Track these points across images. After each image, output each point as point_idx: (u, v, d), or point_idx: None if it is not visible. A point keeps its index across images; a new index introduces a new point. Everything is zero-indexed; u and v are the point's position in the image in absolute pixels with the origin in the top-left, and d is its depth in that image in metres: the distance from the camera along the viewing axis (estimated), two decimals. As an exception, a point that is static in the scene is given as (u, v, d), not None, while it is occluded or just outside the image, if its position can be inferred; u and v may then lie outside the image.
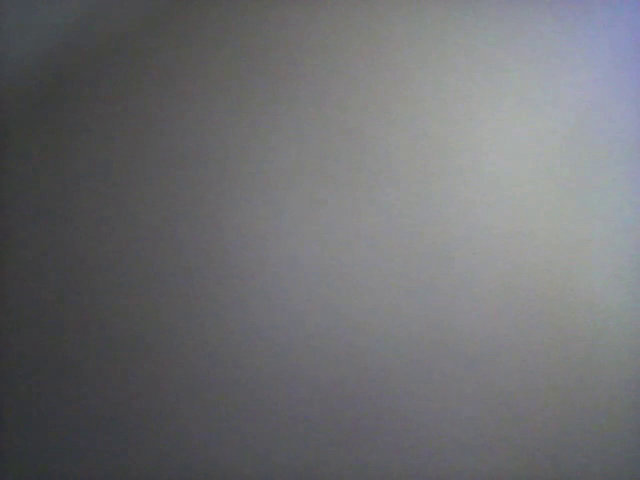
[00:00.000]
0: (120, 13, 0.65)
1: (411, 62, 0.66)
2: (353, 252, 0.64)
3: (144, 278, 0.64)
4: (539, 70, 0.65)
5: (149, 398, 0.63)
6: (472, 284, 0.64)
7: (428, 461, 0.63)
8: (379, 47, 0.66)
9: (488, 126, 0.65)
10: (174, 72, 0.65)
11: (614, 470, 0.63)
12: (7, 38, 0.65)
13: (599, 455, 0.63)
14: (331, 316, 0.64)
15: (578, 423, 0.63)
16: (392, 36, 0.66)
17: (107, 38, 0.65)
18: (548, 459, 0.63)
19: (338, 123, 0.65)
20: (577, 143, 0.65)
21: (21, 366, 0.63)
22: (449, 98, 0.65)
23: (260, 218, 0.64)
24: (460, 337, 0.63)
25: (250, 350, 0.63)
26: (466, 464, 0.63)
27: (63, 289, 0.64)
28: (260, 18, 0.66)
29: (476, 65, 0.65)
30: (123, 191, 0.65)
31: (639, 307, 0.64)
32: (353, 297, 0.64)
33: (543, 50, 0.65)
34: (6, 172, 0.65)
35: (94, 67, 0.65)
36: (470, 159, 0.65)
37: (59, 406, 0.63)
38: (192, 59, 0.65)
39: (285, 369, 0.63)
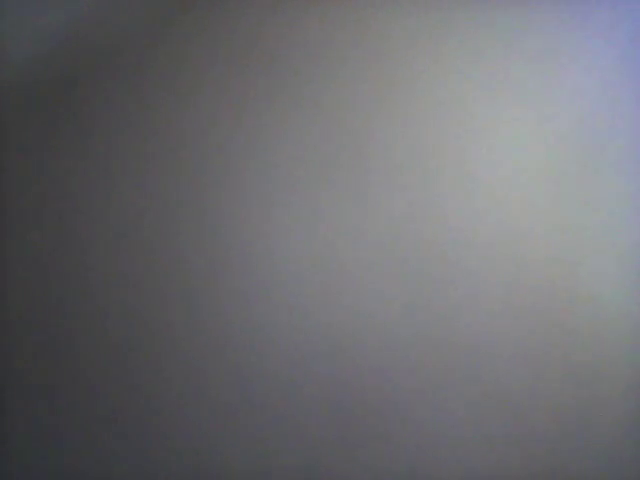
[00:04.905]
0: (121, 14, 0.65)
1: (412, 62, 0.66)
2: (354, 252, 0.64)
3: (145, 278, 0.64)
4: (539, 70, 0.65)
5: (150, 398, 0.63)
6: (473, 282, 0.64)
7: (429, 460, 0.63)
8: (380, 48, 0.66)
9: (489, 125, 0.65)
10: (175, 73, 0.65)
11: (614, 468, 0.63)
12: (7, 38, 0.65)
13: (599, 452, 0.63)
14: (332, 316, 0.64)
15: (579, 421, 0.63)
16: (393, 37, 0.66)
17: (108, 39, 0.65)
18: (549, 457, 0.63)
19: (339, 124, 0.65)
20: (578, 141, 0.65)
21: (21, 366, 0.63)
22: (450, 98, 0.65)
23: (261, 219, 0.64)
24: (461, 336, 0.63)
25: (251, 351, 0.63)
26: (467, 463, 0.63)
27: (63, 289, 0.64)
28: (262, 20, 0.66)
29: (476, 66, 0.65)
30: (124, 191, 0.65)
31: (638, 304, 0.64)
32: (354, 297, 0.64)
33: (543, 50, 0.65)
34: (6, 172, 0.65)
35: (94, 67, 0.65)
36: (471, 158, 0.65)
37: (60, 406, 0.63)
38: (193, 60, 0.65)
39: (286, 369, 0.63)
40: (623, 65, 0.66)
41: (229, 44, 0.65)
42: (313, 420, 0.63)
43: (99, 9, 0.65)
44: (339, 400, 0.63)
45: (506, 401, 0.63)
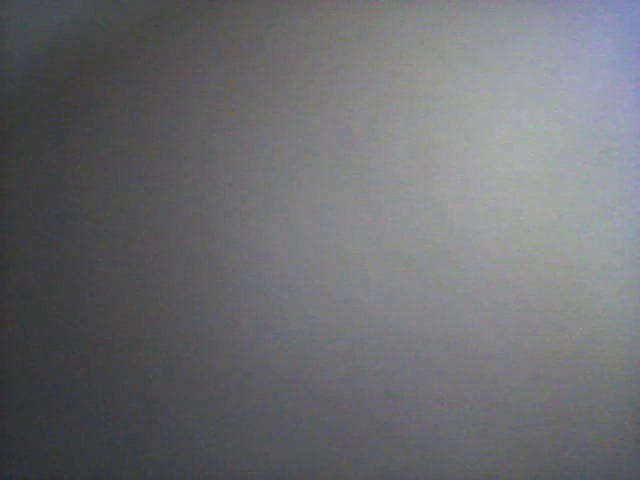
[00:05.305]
0: (120, 14, 0.65)
1: (412, 62, 0.66)
2: (355, 252, 0.64)
3: (145, 277, 0.64)
4: (539, 70, 0.65)
5: (150, 398, 0.63)
6: (473, 284, 0.64)
7: (429, 459, 0.63)
8: (380, 49, 0.66)
9: (489, 126, 0.65)
10: (175, 73, 0.65)
11: (614, 468, 0.63)
12: (7, 38, 0.65)
13: (599, 452, 0.63)
14: (333, 316, 0.64)
15: (578, 421, 0.63)
16: (393, 37, 0.66)
17: (107, 39, 0.65)
18: (549, 457, 0.63)
19: (339, 124, 0.65)
20: (578, 142, 0.65)
21: (21, 366, 0.63)
22: (450, 99, 0.65)
23: (262, 218, 0.64)
24: (461, 336, 0.63)
25: (251, 351, 0.63)
26: (466, 463, 0.63)
27: (64, 288, 0.64)
28: (261, 19, 0.66)
29: (477, 66, 0.65)
30: (123, 191, 0.65)
31: (638, 304, 0.64)
32: (355, 297, 0.64)
33: (543, 50, 0.65)
34: (6, 172, 0.65)
35: (94, 68, 0.65)
36: (471, 159, 0.65)
37: (60, 406, 0.63)
38: (193, 60, 0.65)
39: (286, 369, 0.63)
40: (624, 64, 0.66)
41: (229, 44, 0.65)
42: (313, 420, 0.63)
43: (99, 9, 0.65)
44: (340, 400, 0.63)
45: (506, 400, 0.63)
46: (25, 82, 0.65)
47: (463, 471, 0.62)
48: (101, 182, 0.65)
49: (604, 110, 0.65)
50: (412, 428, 0.63)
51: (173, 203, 0.64)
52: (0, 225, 0.64)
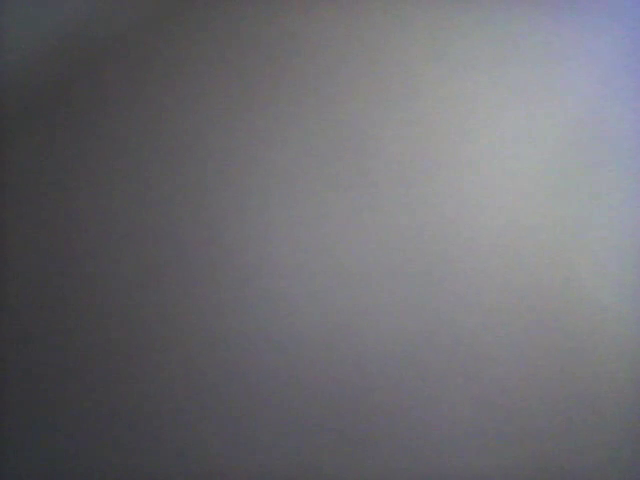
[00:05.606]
0: (121, 14, 0.65)
1: (412, 62, 0.66)
2: (355, 251, 0.64)
3: (145, 277, 0.64)
4: (539, 70, 0.65)
5: (149, 397, 0.63)
6: (473, 282, 0.64)
7: (429, 459, 0.63)
8: (381, 48, 0.66)
9: (489, 125, 0.65)
10: (175, 73, 0.65)
11: (614, 467, 0.63)
12: (7, 38, 0.65)
13: (599, 452, 0.63)
14: (333, 316, 0.64)
15: (579, 420, 0.63)
16: (393, 37, 0.66)
17: (108, 39, 0.65)
18: (548, 457, 0.63)
19: (340, 123, 0.65)
20: (577, 141, 0.65)
21: (22, 366, 0.63)
22: (450, 98, 0.65)
23: (262, 218, 0.64)
24: (461, 335, 0.63)
25: (252, 350, 0.63)
26: (466, 462, 0.63)
27: (63, 288, 0.64)
28: (262, 19, 0.66)
29: (477, 65, 0.65)
30: (124, 191, 0.65)
31: (638, 304, 0.64)
32: (355, 296, 0.64)
33: (543, 50, 0.65)
34: (6, 172, 0.65)
35: (94, 67, 0.65)
36: (471, 158, 0.65)
37: (60, 406, 0.63)
38: (193, 59, 0.65)
39: (286, 368, 0.63)
40: (623, 63, 0.66)
41: (229, 44, 0.65)
42: (314, 419, 0.63)
43: (99, 9, 0.65)
44: (339, 399, 0.63)
45: (506, 400, 0.63)
46: (25, 82, 0.65)
47: (464, 471, 0.62)
48: (102, 181, 0.65)
49: (604, 110, 0.66)
50: (413, 428, 0.63)
51: (174, 202, 0.64)
52: (0, 225, 0.64)
